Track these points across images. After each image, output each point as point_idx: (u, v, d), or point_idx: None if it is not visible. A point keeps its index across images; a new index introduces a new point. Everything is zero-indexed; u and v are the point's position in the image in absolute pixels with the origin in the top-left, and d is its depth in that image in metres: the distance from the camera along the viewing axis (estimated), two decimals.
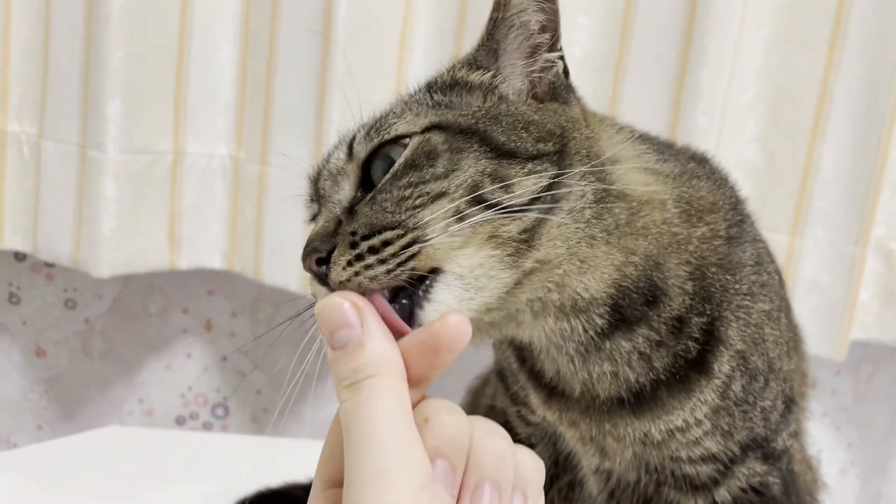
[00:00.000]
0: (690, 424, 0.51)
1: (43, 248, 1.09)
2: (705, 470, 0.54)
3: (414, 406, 0.36)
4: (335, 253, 0.41)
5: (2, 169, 1.09)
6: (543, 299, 0.46)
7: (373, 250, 0.40)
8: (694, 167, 0.54)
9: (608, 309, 0.48)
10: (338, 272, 0.40)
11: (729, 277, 0.51)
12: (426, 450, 0.34)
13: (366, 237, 0.41)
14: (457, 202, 0.42)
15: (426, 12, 1.07)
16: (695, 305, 0.50)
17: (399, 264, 0.40)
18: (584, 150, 0.47)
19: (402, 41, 1.07)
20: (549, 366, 0.53)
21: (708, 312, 0.50)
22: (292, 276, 1.08)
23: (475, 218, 0.41)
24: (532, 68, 0.49)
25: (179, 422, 1.28)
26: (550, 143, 0.46)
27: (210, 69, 1.09)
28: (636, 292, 0.48)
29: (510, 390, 0.60)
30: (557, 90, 0.50)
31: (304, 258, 0.42)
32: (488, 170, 0.43)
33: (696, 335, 0.50)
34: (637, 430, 0.51)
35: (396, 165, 0.44)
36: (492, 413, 0.64)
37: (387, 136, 0.45)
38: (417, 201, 0.42)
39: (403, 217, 0.41)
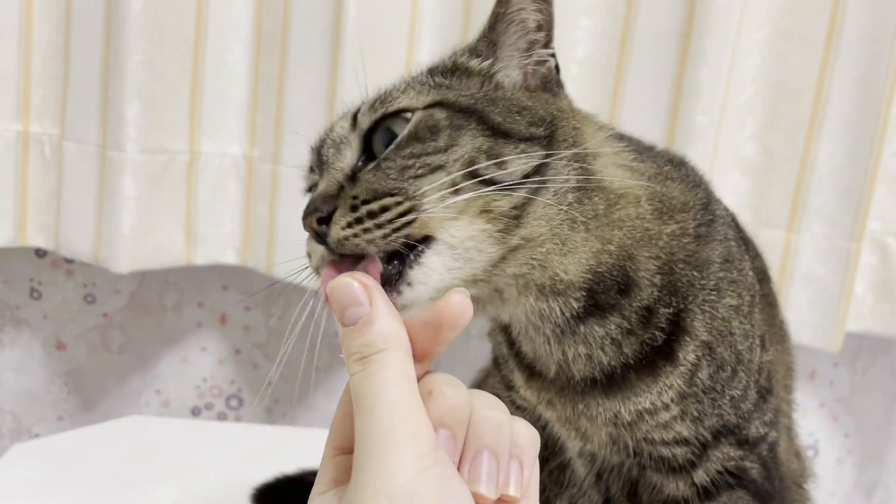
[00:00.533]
0: (658, 408, 0.54)
1: (64, 245, 1.12)
2: (680, 452, 0.57)
3: (419, 379, 0.39)
4: (336, 214, 0.44)
5: (24, 169, 1.12)
6: (526, 277, 0.50)
7: (371, 215, 0.43)
8: (669, 169, 0.58)
9: (584, 293, 0.51)
10: (337, 231, 0.43)
11: (696, 273, 0.54)
12: (430, 420, 0.37)
13: (366, 202, 0.44)
14: (453, 175, 0.45)
15: (432, 14, 1.09)
16: (662, 297, 0.53)
17: (395, 230, 0.43)
18: (571, 139, 0.51)
19: (409, 42, 1.10)
20: (526, 346, 0.56)
21: (674, 304, 0.53)
22: (305, 271, 1.12)
23: (469, 194, 0.45)
24: (527, 61, 0.53)
25: (195, 412, 1.32)
26: (542, 128, 0.49)
27: (223, 71, 1.12)
28: (610, 280, 0.51)
29: (502, 374, 0.63)
30: (549, 83, 0.54)
31: (304, 217, 0.45)
32: (485, 147, 0.46)
33: (663, 325, 0.53)
34: (608, 411, 0.54)
35: (401, 136, 0.46)
36: None
37: (390, 108, 0.48)
38: (418, 171, 0.45)
39: (403, 185, 0.44)
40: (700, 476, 0.58)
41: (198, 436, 1.05)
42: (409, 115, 0.47)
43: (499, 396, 0.64)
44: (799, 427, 1.37)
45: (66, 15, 1.08)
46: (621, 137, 0.57)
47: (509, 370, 0.61)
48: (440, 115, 0.47)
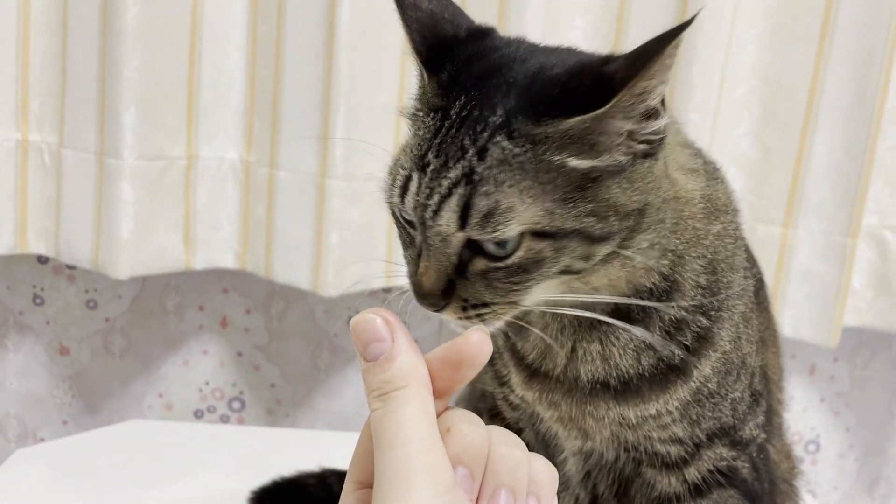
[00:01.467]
0: (662, 413, 0.55)
1: (64, 252, 1.13)
2: (674, 450, 0.58)
3: (438, 416, 0.39)
4: (448, 309, 0.48)
5: (24, 176, 1.13)
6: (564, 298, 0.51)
7: (477, 308, 0.48)
8: (711, 169, 0.57)
9: (612, 305, 0.52)
10: (449, 316, 0.49)
11: (732, 276, 0.55)
12: (449, 457, 0.37)
13: (475, 306, 0.47)
14: (550, 281, 0.48)
15: None
16: (703, 303, 0.53)
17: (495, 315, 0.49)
18: (666, 210, 0.50)
19: (404, 44, 1.10)
20: (530, 347, 0.57)
21: (713, 312, 0.53)
22: (302, 273, 1.12)
23: (563, 310, 0.50)
24: (633, 142, 0.47)
25: (198, 415, 1.33)
26: (631, 220, 0.48)
27: (220, 76, 1.12)
28: (653, 286, 0.52)
29: (495, 368, 0.63)
30: (653, 147, 0.48)
31: (420, 302, 0.48)
32: (580, 253, 0.47)
33: (687, 342, 0.53)
34: (616, 413, 0.55)
35: (509, 263, 0.46)
36: (484, 399, 0.68)
37: (503, 236, 0.45)
38: (521, 288, 0.48)
39: (508, 297, 0.48)
40: (692, 474, 0.58)
41: (199, 439, 1.06)
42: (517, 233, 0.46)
43: (492, 392, 0.65)
44: (800, 422, 1.37)
45: (63, 23, 1.09)
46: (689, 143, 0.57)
47: (503, 365, 0.61)
48: (547, 249, 0.46)
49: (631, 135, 0.46)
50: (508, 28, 1.05)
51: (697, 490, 0.59)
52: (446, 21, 0.52)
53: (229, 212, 1.16)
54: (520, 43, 0.52)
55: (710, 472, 0.58)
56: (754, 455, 0.60)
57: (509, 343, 0.59)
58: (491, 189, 0.44)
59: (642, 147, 0.47)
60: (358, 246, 1.12)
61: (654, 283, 0.51)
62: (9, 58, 1.09)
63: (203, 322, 1.31)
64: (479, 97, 0.47)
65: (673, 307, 0.52)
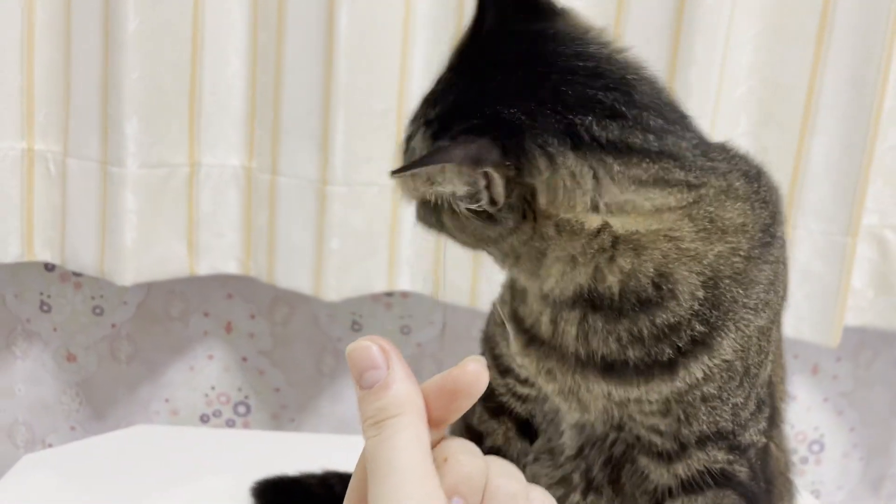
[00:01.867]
0: (643, 400, 0.55)
1: (70, 259, 1.15)
2: (658, 441, 0.57)
3: (434, 445, 0.39)
4: None
5: (29, 185, 1.15)
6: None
7: None
8: (739, 185, 0.55)
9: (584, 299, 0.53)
10: None
11: (741, 291, 0.53)
12: (444, 487, 0.37)
13: None
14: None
15: (425, 20, 1.11)
16: (702, 312, 0.52)
17: None
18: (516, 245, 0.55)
19: (403, 50, 1.11)
20: (527, 311, 0.57)
21: (712, 321, 0.53)
22: (304, 278, 1.14)
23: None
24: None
25: (204, 419, 1.34)
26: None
27: (221, 84, 1.14)
28: (637, 294, 0.52)
29: (495, 354, 0.63)
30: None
31: None
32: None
33: (680, 345, 0.53)
34: (603, 388, 0.55)
35: None
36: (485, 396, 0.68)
37: None
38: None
39: None
40: (681, 470, 0.58)
41: (205, 443, 1.07)
42: None
43: (493, 388, 0.65)
44: (804, 422, 1.38)
45: (66, 35, 1.11)
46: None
47: (506, 346, 0.61)
48: None
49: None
50: None
51: (689, 486, 0.58)
52: None
53: (232, 218, 1.18)
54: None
55: (702, 472, 0.58)
56: (753, 459, 0.60)
57: (511, 307, 0.59)
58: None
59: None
60: (359, 251, 1.13)
61: (637, 293, 0.52)
62: (14, 69, 1.11)
63: (208, 328, 1.32)
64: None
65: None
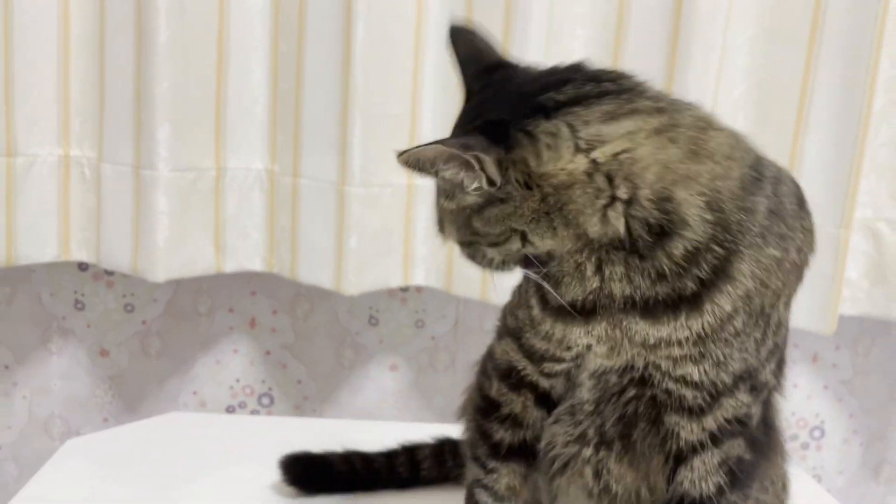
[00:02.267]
0: (672, 342, 0.59)
1: (105, 259, 1.22)
2: (689, 395, 0.61)
3: None
4: None
5: (66, 190, 1.22)
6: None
7: None
8: (726, 132, 0.61)
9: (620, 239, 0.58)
10: None
11: (743, 216, 0.57)
12: None
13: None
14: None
15: (435, 31, 1.17)
16: (717, 234, 0.57)
17: None
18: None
19: (415, 58, 1.18)
20: (567, 289, 0.61)
21: (727, 242, 0.57)
22: (325, 275, 1.20)
23: None
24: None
25: (229, 411, 1.41)
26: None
27: (245, 92, 1.20)
28: (649, 225, 0.57)
29: (523, 345, 0.67)
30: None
31: None
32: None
33: (703, 275, 0.57)
34: (641, 329, 0.59)
35: None
36: (509, 373, 0.70)
37: None
38: None
39: None
40: (710, 422, 0.61)
41: (233, 428, 1.13)
42: None
43: (517, 367, 0.68)
44: (805, 409, 1.42)
45: (100, 47, 1.18)
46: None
47: (534, 335, 0.65)
48: None
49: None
50: (514, 38, 1.12)
51: (713, 439, 0.62)
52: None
53: (256, 218, 1.24)
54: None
55: (728, 420, 0.61)
56: (761, 404, 0.64)
57: (548, 308, 0.63)
58: None
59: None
60: (376, 248, 1.20)
61: (648, 222, 0.57)
62: (51, 80, 1.18)
63: (233, 323, 1.39)
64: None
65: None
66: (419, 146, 0.58)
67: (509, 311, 0.71)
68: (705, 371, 0.59)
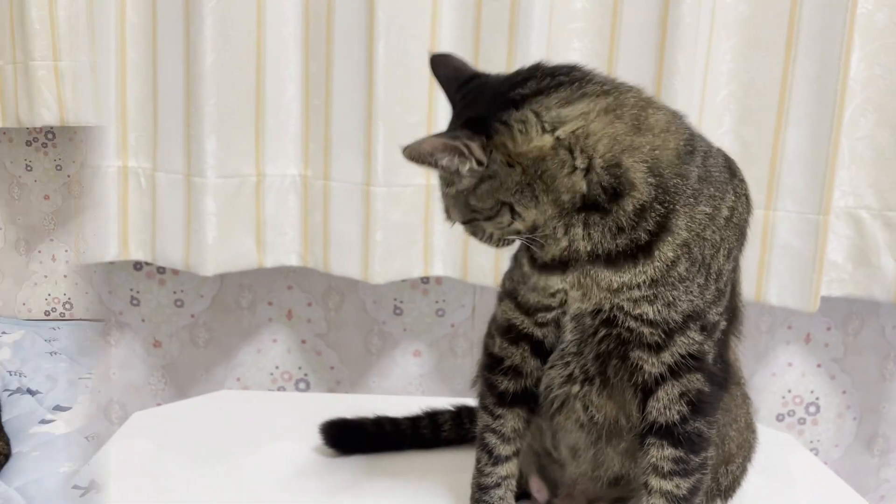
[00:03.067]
0: (632, 285, 0.71)
1: (160, 257, 1.36)
2: (647, 332, 0.72)
3: None
4: None
5: (125, 197, 1.37)
6: None
7: None
8: (667, 111, 0.74)
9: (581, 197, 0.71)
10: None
11: (679, 181, 0.70)
12: None
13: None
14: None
15: (447, 49, 1.30)
16: (658, 195, 0.69)
17: None
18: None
19: (430, 74, 1.30)
20: (549, 250, 0.74)
21: (667, 202, 0.69)
22: (354, 267, 1.33)
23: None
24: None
25: None
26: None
27: (281, 107, 1.34)
28: (604, 189, 0.70)
29: (519, 302, 0.79)
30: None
31: None
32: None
33: (650, 228, 0.69)
34: (606, 277, 0.71)
35: None
36: (510, 329, 0.82)
37: None
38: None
39: None
40: (668, 356, 0.72)
41: (277, 404, 1.25)
42: None
43: (514, 324, 0.80)
44: (800, 386, 1.52)
45: (153, 70, 1.33)
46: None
47: (528, 290, 0.77)
48: None
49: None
50: (516, 49, 1.24)
51: (672, 372, 0.73)
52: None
53: (291, 218, 1.38)
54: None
55: (683, 356, 0.72)
56: (717, 340, 0.74)
57: (536, 265, 0.76)
58: None
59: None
60: (399, 241, 1.33)
61: (602, 185, 0.70)
62: (110, 101, 1.33)
63: (272, 315, 1.52)
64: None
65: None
66: (418, 140, 0.71)
67: (507, 276, 0.84)
68: (658, 311, 0.71)
